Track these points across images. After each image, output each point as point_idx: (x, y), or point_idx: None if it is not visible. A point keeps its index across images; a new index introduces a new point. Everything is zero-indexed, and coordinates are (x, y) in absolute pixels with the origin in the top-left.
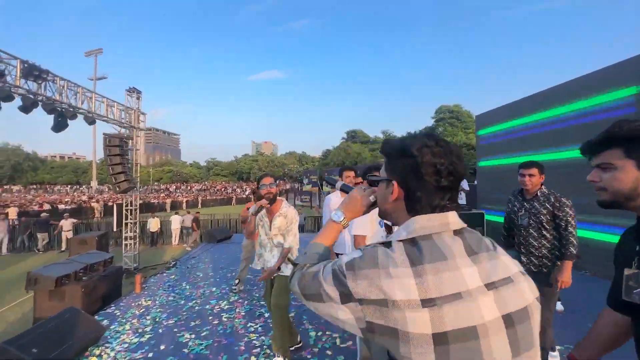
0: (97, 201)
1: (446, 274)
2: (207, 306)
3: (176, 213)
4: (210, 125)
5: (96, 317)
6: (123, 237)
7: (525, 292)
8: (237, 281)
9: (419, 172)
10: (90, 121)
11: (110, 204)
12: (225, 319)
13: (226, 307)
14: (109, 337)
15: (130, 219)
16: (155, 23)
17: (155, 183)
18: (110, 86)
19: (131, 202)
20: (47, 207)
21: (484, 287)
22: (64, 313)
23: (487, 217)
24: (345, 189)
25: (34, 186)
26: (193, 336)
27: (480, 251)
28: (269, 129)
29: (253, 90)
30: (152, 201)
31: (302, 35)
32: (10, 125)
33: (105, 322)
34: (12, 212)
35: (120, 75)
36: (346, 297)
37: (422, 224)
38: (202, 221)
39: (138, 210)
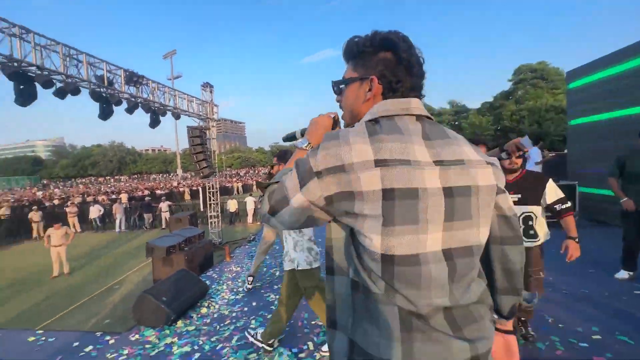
0: (185, 186)
1: (399, 144)
2: None
3: (250, 195)
4: (271, 111)
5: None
6: (208, 216)
7: (476, 176)
8: (251, 278)
9: (400, 64)
10: (177, 116)
11: (194, 188)
12: None
13: None
14: (212, 293)
15: (213, 200)
16: (209, 19)
17: (227, 168)
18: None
19: (212, 186)
20: (147, 192)
21: (432, 163)
22: (177, 274)
23: (580, 189)
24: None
25: (135, 176)
26: (277, 296)
27: (436, 138)
28: (330, 108)
29: (309, 71)
30: (226, 185)
31: (351, 8)
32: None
33: (207, 283)
34: (124, 198)
35: (188, 71)
36: (304, 178)
37: (385, 107)
38: None
39: (218, 193)
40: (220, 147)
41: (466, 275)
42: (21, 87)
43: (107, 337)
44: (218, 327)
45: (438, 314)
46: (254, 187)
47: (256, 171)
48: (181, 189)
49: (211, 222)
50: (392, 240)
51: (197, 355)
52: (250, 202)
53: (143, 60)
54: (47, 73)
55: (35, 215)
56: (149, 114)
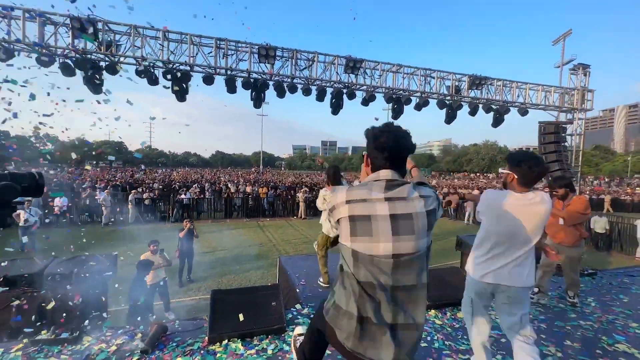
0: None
1: (362, 191)
2: (604, 337)
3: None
4: None
5: None
6: None
7: (415, 206)
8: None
9: (376, 149)
10: (523, 112)
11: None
12: None
13: None
14: None
15: None
16: None
17: (636, 175)
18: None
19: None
20: None
21: (384, 200)
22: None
23: None
24: None
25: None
26: (559, 354)
27: (392, 188)
28: None
29: None
30: (622, 197)
31: None
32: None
33: None
34: (477, 191)
35: (591, 51)
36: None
37: (367, 178)
38: None
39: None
40: (630, 144)
41: (409, 266)
42: (395, 106)
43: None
44: None
45: (384, 289)
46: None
47: None
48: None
49: None
50: (356, 245)
51: None
52: None
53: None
54: (407, 93)
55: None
56: (492, 114)
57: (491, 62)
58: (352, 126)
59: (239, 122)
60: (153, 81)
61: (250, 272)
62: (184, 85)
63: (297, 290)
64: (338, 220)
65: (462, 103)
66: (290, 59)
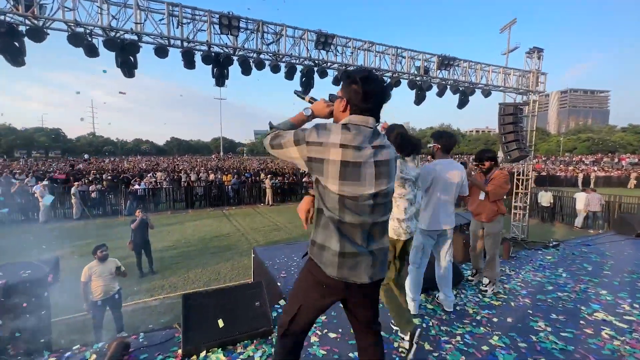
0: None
1: (354, 136)
2: (583, 307)
3: (583, 190)
4: None
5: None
6: (512, 205)
7: (390, 154)
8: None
9: (359, 94)
10: (487, 93)
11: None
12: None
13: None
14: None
15: (521, 189)
16: None
17: (567, 154)
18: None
19: (523, 172)
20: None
21: (371, 148)
22: None
23: None
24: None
25: (457, 156)
26: (549, 329)
27: (376, 137)
28: None
29: None
30: (558, 174)
31: None
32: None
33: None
34: None
35: (530, 39)
36: (298, 141)
37: (352, 119)
38: (626, 205)
39: (531, 181)
40: (561, 126)
41: (383, 205)
42: None
43: None
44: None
45: (363, 226)
46: (591, 182)
47: (615, 159)
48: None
49: (515, 214)
50: (344, 188)
51: None
52: (580, 199)
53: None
54: (380, 73)
55: None
56: (457, 95)
57: (455, 44)
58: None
59: (194, 107)
60: (91, 52)
61: (220, 264)
62: (131, 58)
63: (279, 284)
64: (320, 159)
65: (431, 84)
66: (255, 32)
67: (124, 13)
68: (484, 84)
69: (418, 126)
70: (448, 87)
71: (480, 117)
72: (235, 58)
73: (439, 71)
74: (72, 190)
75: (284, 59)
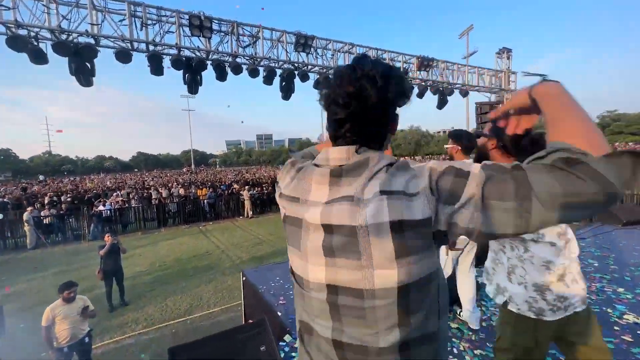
0: None
1: (302, 183)
2: (609, 309)
3: None
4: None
5: None
6: None
7: (360, 216)
8: None
9: (324, 104)
10: (464, 93)
11: None
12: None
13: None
14: None
15: None
16: None
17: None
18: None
19: None
20: None
21: (322, 203)
22: None
23: None
24: None
25: (427, 156)
26: None
27: (344, 178)
28: None
29: None
30: None
31: None
32: (413, 110)
33: None
34: None
35: (486, 44)
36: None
37: (319, 157)
38: None
39: None
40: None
41: (360, 310)
42: None
43: None
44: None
45: (323, 343)
46: None
47: None
48: None
49: None
50: (291, 257)
51: None
52: None
53: (437, 44)
54: None
55: None
56: (437, 96)
57: (438, 46)
58: (285, 118)
59: (161, 119)
60: (38, 57)
61: (201, 287)
62: (88, 65)
63: (279, 313)
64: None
65: (412, 85)
66: (230, 34)
67: (76, 13)
68: (461, 83)
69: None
70: (428, 88)
71: (446, 117)
72: (209, 62)
73: (418, 72)
74: (25, 216)
75: (262, 63)
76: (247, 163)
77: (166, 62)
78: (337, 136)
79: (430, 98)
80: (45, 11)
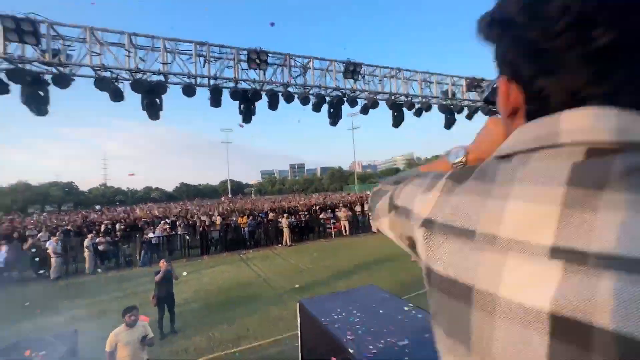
0: None
1: (477, 200)
2: None
3: None
4: None
5: None
6: None
7: None
8: None
9: (534, 41)
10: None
11: None
12: None
13: None
14: None
15: None
16: None
17: None
18: None
19: None
20: None
21: (548, 249)
22: None
23: None
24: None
25: None
26: None
27: (618, 183)
28: None
29: None
30: None
31: None
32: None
33: None
34: None
35: None
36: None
37: (522, 131)
38: None
39: None
40: None
41: None
42: (395, 113)
43: None
44: None
45: None
46: None
47: None
48: None
49: None
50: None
51: None
52: None
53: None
54: (410, 98)
55: None
56: (488, 116)
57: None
58: (317, 147)
59: (199, 152)
60: (117, 96)
61: (246, 317)
62: (157, 100)
63: (351, 350)
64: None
65: (462, 106)
66: (282, 66)
67: (151, 55)
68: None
69: (423, 155)
70: (479, 109)
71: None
72: (263, 93)
73: (468, 94)
74: (86, 242)
75: (312, 90)
76: (281, 192)
77: (224, 94)
78: (590, 90)
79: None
80: (127, 54)
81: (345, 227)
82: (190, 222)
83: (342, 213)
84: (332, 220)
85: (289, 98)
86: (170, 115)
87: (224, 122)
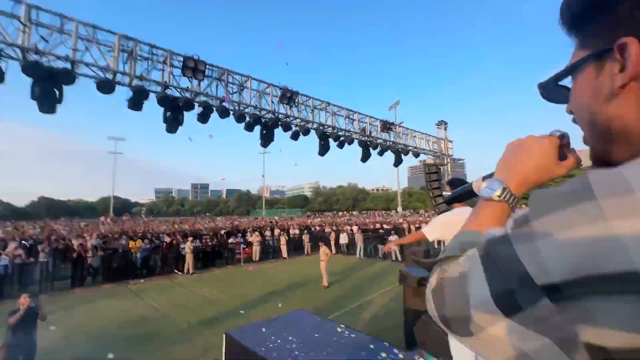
0: (406, 222)
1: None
2: None
3: None
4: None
5: None
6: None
7: None
8: None
9: None
10: (416, 155)
11: (417, 225)
12: None
13: None
14: None
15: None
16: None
17: None
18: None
19: None
20: (378, 226)
21: None
22: None
23: None
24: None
25: (364, 212)
26: None
27: None
28: None
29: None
30: None
31: None
32: (351, 169)
33: None
34: (357, 229)
35: (410, 115)
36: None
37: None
38: None
39: None
40: None
41: None
42: (322, 142)
43: (395, 350)
44: None
45: None
46: None
47: None
48: (404, 225)
49: None
50: None
51: None
52: None
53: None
54: (336, 131)
55: (305, 237)
56: (394, 155)
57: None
58: (222, 168)
59: (73, 161)
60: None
61: None
62: (55, 90)
63: None
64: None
65: (377, 143)
66: (218, 80)
67: (58, 38)
68: (414, 146)
69: (328, 184)
70: (389, 148)
71: (377, 177)
72: (196, 104)
73: (382, 133)
74: None
75: (246, 110)
76: (179, 213)
77: (151, 97)
78: None
79: (375, 157)
80: (21, 29)
81: (255, 253)
82: (60, 245)
83: (253, 237)
84: (243, 245)
85: (223, 113)
86: (34, 115)
87: (112, 129)
